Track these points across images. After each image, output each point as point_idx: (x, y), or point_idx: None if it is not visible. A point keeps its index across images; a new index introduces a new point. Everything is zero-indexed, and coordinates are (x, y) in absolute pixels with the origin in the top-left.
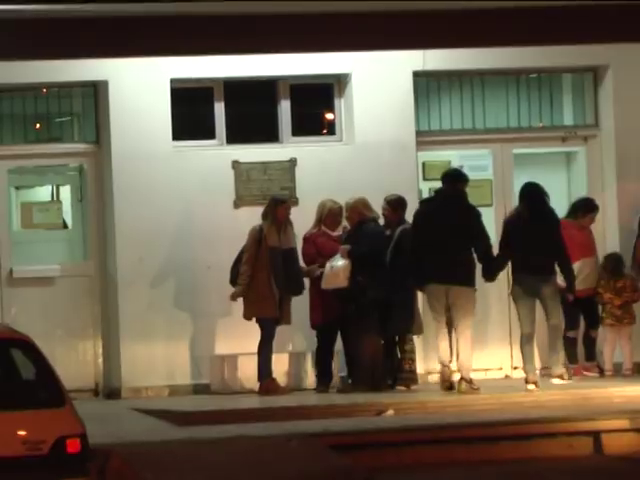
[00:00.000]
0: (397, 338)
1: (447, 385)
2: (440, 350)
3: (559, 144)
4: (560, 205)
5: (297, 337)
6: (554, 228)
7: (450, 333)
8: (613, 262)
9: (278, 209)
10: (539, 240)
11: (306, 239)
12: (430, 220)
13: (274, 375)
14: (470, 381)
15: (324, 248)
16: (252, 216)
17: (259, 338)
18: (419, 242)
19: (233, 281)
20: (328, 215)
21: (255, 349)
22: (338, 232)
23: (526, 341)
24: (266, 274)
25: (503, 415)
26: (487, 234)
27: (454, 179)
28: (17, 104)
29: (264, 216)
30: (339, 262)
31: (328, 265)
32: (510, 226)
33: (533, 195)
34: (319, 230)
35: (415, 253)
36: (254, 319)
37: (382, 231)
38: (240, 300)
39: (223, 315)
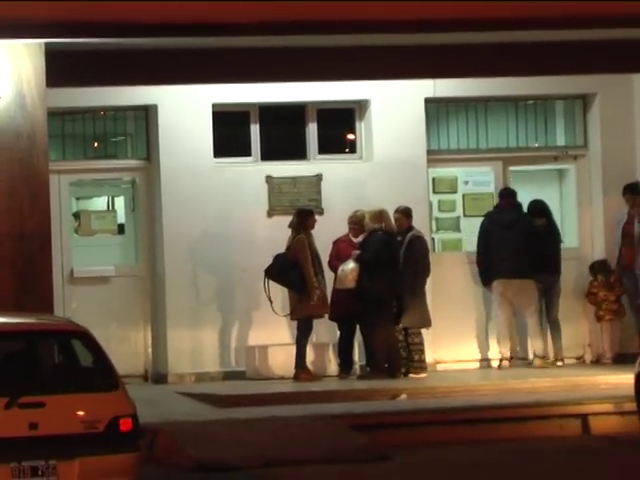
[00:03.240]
0: (408, 331)
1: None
2: None
3: (552, 162)
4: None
5: (320, 330)
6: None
7: None
8: (601, 264)
9: (311, 219)
10: None
11: (333, 243)
12: None
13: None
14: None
15: (341, 252)
16: (283, 224)
17: (294, 331)
18: None
19: (299, 289)
20: (349, 222)
21: (283, 341)
22: (360, 239)
23: None
24: (319, 277)
25: (502, 400)
26: None
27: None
28: (78, 125)
29: (300, 227)
30: (349, 265)
31: (340, 268)
32: None
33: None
34: (345, 236)
35: None
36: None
37: (387, 240)
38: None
39: (256, 311)
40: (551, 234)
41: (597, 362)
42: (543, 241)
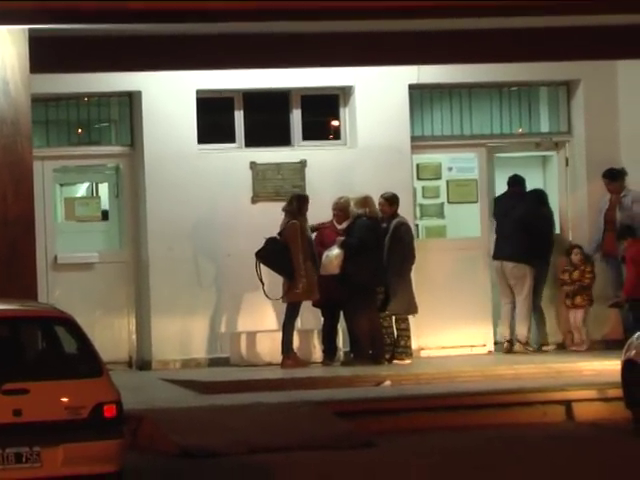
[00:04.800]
0: (394, 317)
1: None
2: None
3: (535, 149)
4: None
5: (306, 316)
6: None
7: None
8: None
9: (305, 205)
10: None
11: (317, 229)
12: None
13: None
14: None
15: (325, 238)
16: (267, 210)
17: (279, 316)
18: None
19: (290, 275)
20: (333, 209)
21: (268, 327)
22: (344, 225)
23: None
24: (310, 263)
25: (486, 386)
26: None
27: None
28: (62, 111)
29: (295, 212)
30: (333, 251)
31: (325, 254)
32: None
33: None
34: (327, 222)
35: None
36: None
37: (371, 225)
38: (250, 281)
39: (241, 296)
40: (548, 223)
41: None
42: (541, 229)
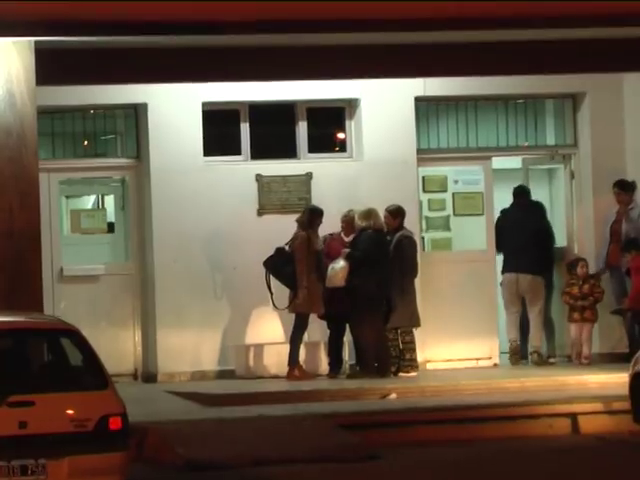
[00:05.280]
0: (399, 330)
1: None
2: None
3: (543, 161)
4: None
5: (312, 328)
6: None
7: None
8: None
9: (318, 218)
10: None
11: (324, 241)
12: None
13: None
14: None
15: (331, 250)
16: (273, 223)
17: (285, 329)
18: None
19: (291, 285)
20: (342, 222)
21: (274, 340)
22: (350, 238)
23: None
24: (315, 275)
25: (491, 399)
26: None
27: None
28: (68, 123)
29: (306, 224)
30: (339, 264)
31: (330, 266)
32: None
33: None
34: (336, 234)
35: None
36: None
37: (376, 237)
38: (256, 294)
39: (247, 309)
40: (552, 235)
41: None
42: (551, 241)
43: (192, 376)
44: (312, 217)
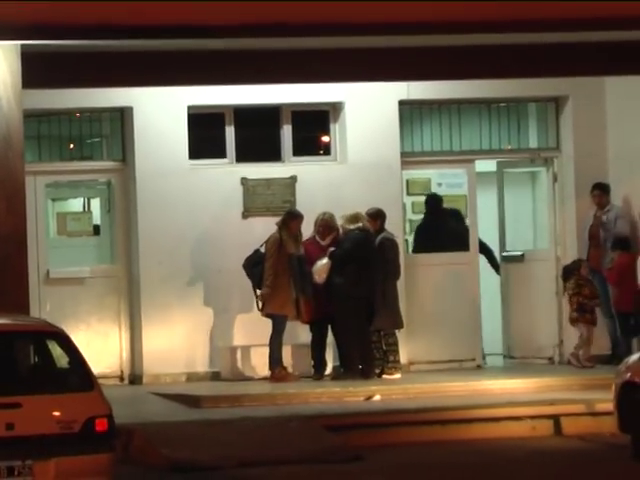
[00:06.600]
0: (382, 333)
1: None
2: None
3: (526, 164)
4: (526, 218)
5: (298, 331)
6: None
7: None
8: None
9: (293, 222)
10: None
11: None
12: None
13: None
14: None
15: (310, 254)
16: (258, 226)
17: (269, 332)
18: None
19: (258, 284)
20: (318, 225)
21: (259, 342)
22: (327, 241)
23: None
24: (286, 278)
25: (474, 400)
26: None
27: None
28: (54, 127)
29: (280, 226)
30: (322, 261)
31: (316, 263)
32: None
33: None
34: (312, 238)
35: None
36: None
37: (361, 238)
38: (240, 297)
39: (232, 311)
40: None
41: (568, 363)
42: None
43: (177, 378)
44: (286, 219)
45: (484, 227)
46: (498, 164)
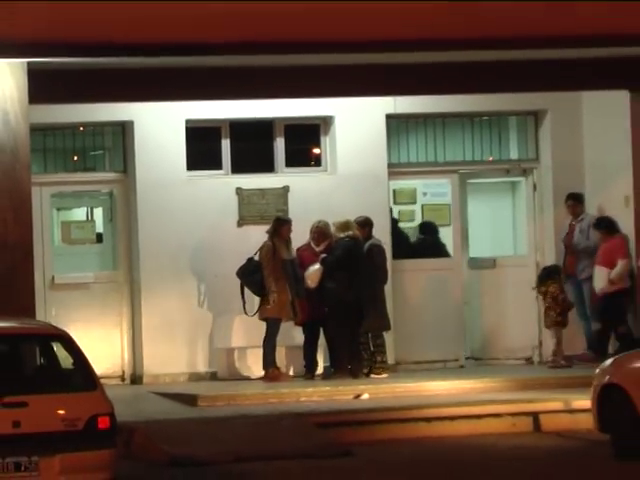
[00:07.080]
0: (370, 334)
1: None
2: None
3: (505, 175)
4: (505, 227)
5: (292, 333)
6: None
7: None
8: (549, 271)
9: (283, 228)
10: None
11: (296, 251)
12: None
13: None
14: None
15: (304, 260)
16: (253, 233)
17: (263, 334)
18: None
19: (259, 291)
20: (313, 232)
21: (255, 343)
22: (321, 248)
23: None
24: (282, 282)
25: (457, 398)
26: None
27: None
28: (58, 140)
29: (272, 233)
30: (315, 266)
31: (308, 268)
32: None
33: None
34: (307, 244)
35: None
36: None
37: (351, 245)
38: (236, 300)
39: (228, 314)
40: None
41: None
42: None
43: (177, 378)
44: (277, 226)
45: (473, 233)
46: (460, 175)
